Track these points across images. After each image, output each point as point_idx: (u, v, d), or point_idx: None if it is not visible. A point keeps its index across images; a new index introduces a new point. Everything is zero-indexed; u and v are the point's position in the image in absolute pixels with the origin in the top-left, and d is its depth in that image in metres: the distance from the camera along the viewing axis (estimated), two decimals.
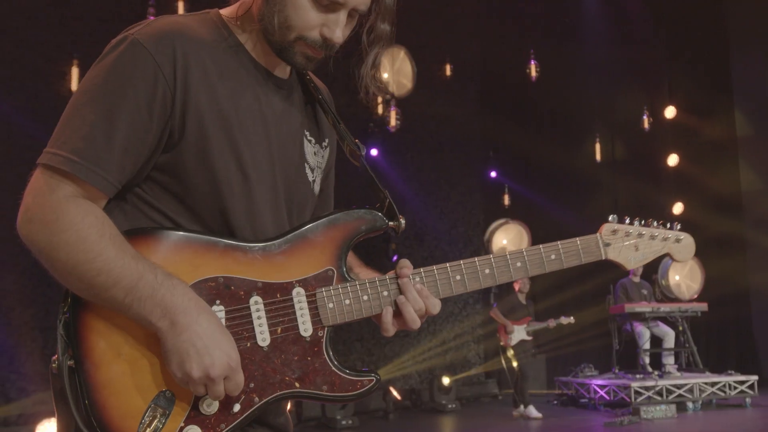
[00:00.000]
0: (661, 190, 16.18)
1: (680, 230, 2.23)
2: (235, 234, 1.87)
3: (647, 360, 13.37)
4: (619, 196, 16.86)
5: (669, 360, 13.70)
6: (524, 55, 14.93)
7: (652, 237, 2.18)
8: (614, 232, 2.14)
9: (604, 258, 2.12)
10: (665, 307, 13.52)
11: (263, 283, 1.84)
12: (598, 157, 16.40)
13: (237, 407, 1.78)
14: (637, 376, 12.81)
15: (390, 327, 1.93)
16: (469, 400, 15.31)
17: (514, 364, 12.33)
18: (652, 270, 14.61)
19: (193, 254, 1.80)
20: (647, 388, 12.40)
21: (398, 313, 1.94)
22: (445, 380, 14.07)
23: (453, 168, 16.08)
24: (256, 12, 1.90)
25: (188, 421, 1.74)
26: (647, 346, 13.50)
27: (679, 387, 12.58)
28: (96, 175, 1.72)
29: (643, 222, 2.20)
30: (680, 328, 13.69)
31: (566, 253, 2.08)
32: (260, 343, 1.83)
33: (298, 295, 1.87)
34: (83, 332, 1.73)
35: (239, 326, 1.81)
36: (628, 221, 2.17)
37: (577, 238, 2.10)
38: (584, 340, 15.57)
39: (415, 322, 1.93)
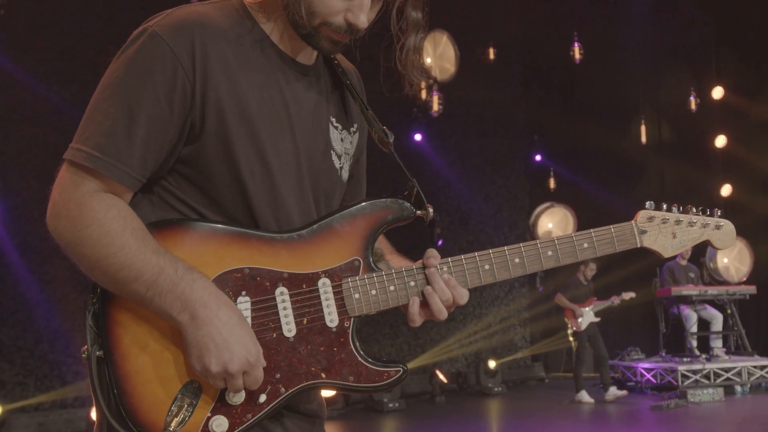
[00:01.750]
0: (708, 172, 15.98)
1: (720, 217, 2.16)
2: (258, 225, 1.87)
3: (694, 343, 13.28)
4: (666, 179, 16.69)
5: (717, 343, 13.59)
6: (568, 38, 14.83)
7: (691, 224, 2.12)
8: (650, 219, 2.09)
9: (639, 246, 2.07)
10: (713, 290, 13.41)
11: (289, 274, 1.84)
12: (643, 139, 16.24)
13: (263, 398, 1.80)
14: (684, 359, 12.75)
15: (417, 317, 1.93)
16: (516, 384, 15.35)
17: (573, 346, 12.26)
18: (700, 253, 14.48)
19: (218, 245, 1.81)
20: (694, 372, 12.33)
21: (425, 304, 1.93)
22: (492, 363, 14.12)
23: (497, 152, 16.06)
24: None
25: (215, 412, 1.76)
26: (694, 329, 13.41)
27: (726, 370, 12.49)
28: (118, 171, 1.74)
29: (681, 209, 2.13)
30: (728, 311, 13.58)
31: (599, 241, 2.03)
32: (286, 333, 1.83)
33: (324, 285, 1.86)
34: (112, 323, 1.77)
35: (265, 317, 1.82)
36: (665, 207, 2.11)
37: (611, 226, 2.05)
38: (631, 323, 15.51)
39: (442, 313, 1.92)
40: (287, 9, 1.85)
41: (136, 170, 1.76)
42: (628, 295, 12.51)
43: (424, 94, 13.42)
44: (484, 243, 15.41)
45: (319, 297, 1.86)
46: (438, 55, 13.10)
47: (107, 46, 10.86)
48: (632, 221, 2.09)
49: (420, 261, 1.95)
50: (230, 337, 1.69)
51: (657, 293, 13.49)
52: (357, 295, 1.88)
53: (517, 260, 1.98)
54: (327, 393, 11.78)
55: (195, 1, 2.11)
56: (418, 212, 1.96)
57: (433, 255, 1.93)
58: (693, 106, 15.69)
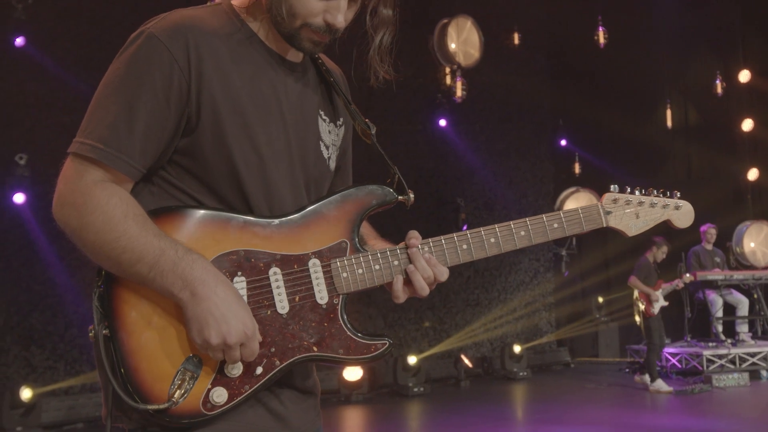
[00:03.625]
0: (735, 156, 15.87)
1: (680, 198, 2.31)
2: (253, 210, 2.01)
3: (720, 328, 13.27)
4: (693, 163, 16.61)
5: (743, 328, 13.56)
6: (593, 22, 14.78)
7: (652, 205, 2.28)
8: (615, 201, 2.25)
9: (605, 225, 2.24)
10: (738, 275, 13.38)
11: (281, 255, 1.99)
12: (669, 123, 16.16)
13: (259, 370, 1.93)
14: (710, 344, 12.73)
15: (401, 294, 2.06)
16: (541, 368, 15.38)
17: (643, 331, 11.98)
18: (726, 237, 14.42)
19: (215, 230, 1.95)
20: (720, 356, 12.33)
21: (408, 281, 2.07)
22: (517, 348, 14.16)
23: (522, 137, 16.02)
24: (264, 1, 2.02)
25: (215, 383, 1.89)
26: (720, 314, 13.38)
27: (752, 355, 12.48)
28: (120, 161, 1.88)
29: (644, 191, 2.28)
30: (755, 296, 13.54)
31: (568, 221, 2.20)
32: (279, 310, 1.97)
33: (314, 265, 2.01)
34: (116, 304, 1.89)
35: (260, 295, 1.96)
36: (629, 190, 2.27)
37: (579, 207, 2.21)
38: None
39: (424, 290, 2.06)
40: (270, 11, 2.00)
41: (136, 160, 1.90)
42: (689, 278, 12.45)
43: (448, 80, 13.42)
44: None
45: (309, 276, 2.00)
46: (462, 41, 13.09)
47: (132, 33, 10.95)
48: (598, 203, 2.25)
49: (403, 242, 2.09)
50: (228, 312, 1.82)
51: (682, 277, 13.44)
52: (345, 274, 2.03)
53: (492, 240, 2.14)
54: (352, 377, 11.90)
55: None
56: (400, 197, 2.11)
57: (414, 236, 2.08)
58: (719, 89, 15.58)
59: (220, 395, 1.89)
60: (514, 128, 15.86)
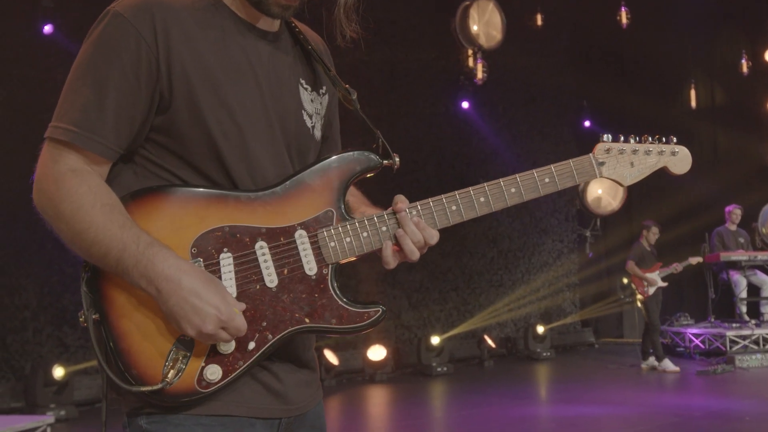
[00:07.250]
0: (761, 136, 15.75)
1: (677, 144, 2.23)
2: (236, 184, 1.97)
3: (743, 309, 13.26)
4: (718, 143, 16.52)
5: (767, 309, 13.53)
6: (616, 1, 14.71)
7: (647, 152, 2.19)
8: (608, 150, 2.15)
9: (599, 177, 2.14)
10: (763, 256, 13.34)
11: (267, 229, 1.95)
12: (693, 103, 16.07)
13: (252, 345, 1.91)
14: (733, 324, 12.74)
15: (391, 260, 2.01)
16: (565, 349, 15.46)
17: (643, 313, 12.12)
18: (751, 218, 14.38)
19: (198, 207, 1.92)
20: (743, 337, 12.34)
21: (398, 247, 2.02)
22: (540, 329, 14.25)
23: (545, 119, 16.01)
24: None
25: (208, 361, 1.87)
26: (744, 294, 13.36)
27: None
28: (93, 142, 1.85)
29: (638, 139, 2.19)
30: None
31: (560, 175, 2.11)
32: (268, 284, 1.93)
33: (301, 237, 1.97)
34: (105, 288, 1.89)
35: (247, 270, 1.93)
36: (622, 139, 2.18)
37: (570, 160, 2.13)
38: (680, 288, 15.47)
39: (414, 254, 2.00)
40: None
41: (110, 141, 1.87)
42: (695, 260, 12.47)
43: (470, 62, 13.44)
44: (533, 209, 15.47)
45: (296, 248, 1.97)
46: (484, 23, 13.09)
47: None
48: (590, 154, 2.16)
49: (390, 208, 2.04)
50: (197, 302, 1.79)
51: (706, 258, 13.41)
52: (333, 244, 1.99)
53: (482, 199, 2.06)
54: (377, 357, 12.04)
55: None
56: (385, 162, 2.05)
57: (401, 200, 2.04)
58: (745, 69, 15.47)
59: (214, 372, 1.88)
60: (537, 110, 15.86)
